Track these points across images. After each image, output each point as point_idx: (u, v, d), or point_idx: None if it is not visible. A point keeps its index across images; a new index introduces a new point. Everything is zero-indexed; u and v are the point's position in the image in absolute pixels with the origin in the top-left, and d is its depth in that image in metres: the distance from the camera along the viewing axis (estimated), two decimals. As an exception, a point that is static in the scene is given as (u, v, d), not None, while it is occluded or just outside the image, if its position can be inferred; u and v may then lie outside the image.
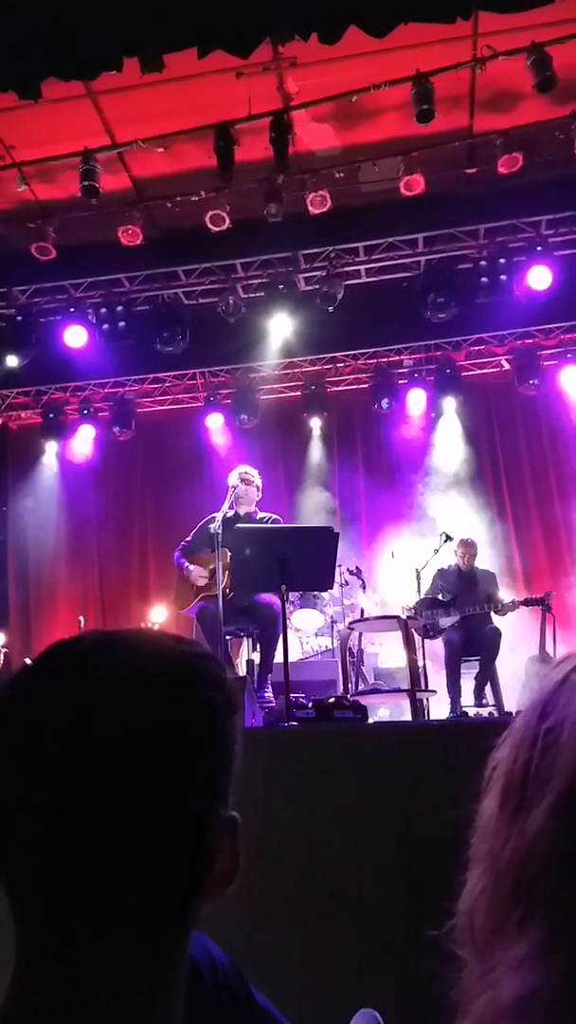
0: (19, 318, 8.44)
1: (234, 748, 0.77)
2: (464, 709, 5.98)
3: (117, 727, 0.69)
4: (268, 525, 5.30)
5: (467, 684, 6.32)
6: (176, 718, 0.71)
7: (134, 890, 0.68)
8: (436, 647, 6.44)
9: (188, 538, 5.61)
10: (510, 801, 0.72)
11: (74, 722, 0.69)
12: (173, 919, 0.72)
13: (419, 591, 6.56)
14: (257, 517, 5.50)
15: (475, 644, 6.24)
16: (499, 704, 6.16)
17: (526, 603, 6.22)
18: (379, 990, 2.02)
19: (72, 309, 8.47)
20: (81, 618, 7.48)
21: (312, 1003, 1.71)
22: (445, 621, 6.30)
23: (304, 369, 9.39)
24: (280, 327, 8.32)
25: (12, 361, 8.50)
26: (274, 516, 5.53)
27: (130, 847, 0.68)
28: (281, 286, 8.12)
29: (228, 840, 0.76)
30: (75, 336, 8.42)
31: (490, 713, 5.99)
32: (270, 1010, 1.47)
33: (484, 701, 6.24)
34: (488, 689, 6.28)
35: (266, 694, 5.13)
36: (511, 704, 6.24)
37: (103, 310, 8.44)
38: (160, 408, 9.91)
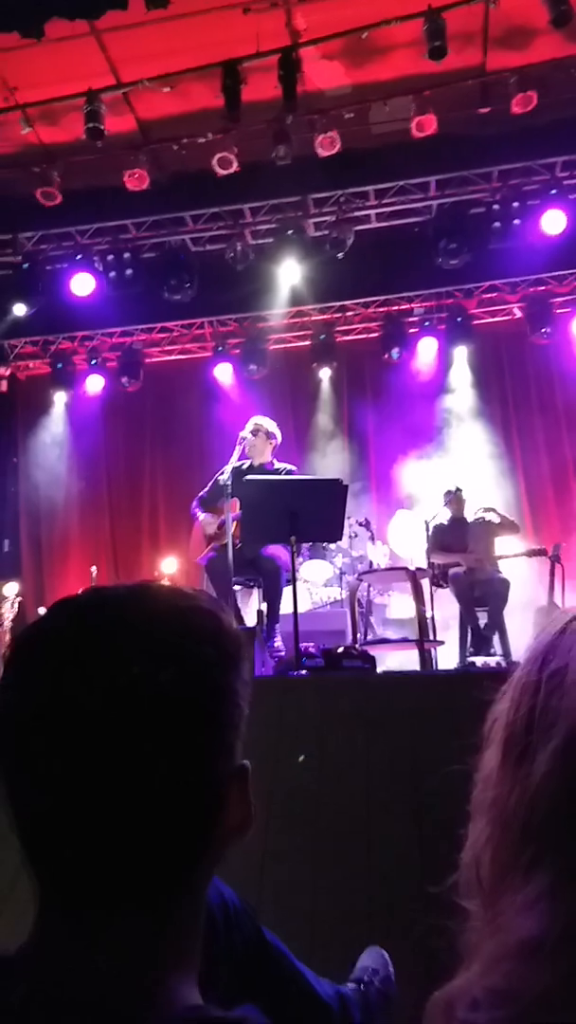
0: (25, 266, 8.35)
1: (235, 700, 0.77)
2: (471, 659, 6.03)
3: (109, 685, 0.70)
4: (277, 477, 5.29)
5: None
6: (168, 675, 0.72)
7: (140, 843, 0.70)
8: (444, 598, 6.48)
9: (204, 490, 5.63)
10: (514, 749, 0.72)
11: (70, 680, 0.70)
12: (184, 869, 0.73)
13: (428, 541, 6.59)
14: (273, 468, 5.49)
15: (483, 594, 6.27)
16: (507, 654, 6.21)
17: (529, 554, 6.23)
18: (387, 932, 2.08)
19: (79, 256, 8.36)
20: (93, 568, 7.54)
21: (321, 942, 1.76)
22: (456, 570, 6.33)
23: (313, 318, 9.28)
24: (289, 274, 8.21)
25: (20, 310, 8.43)
26: (290, 467, 5.52)
27: (130, 800, 0.69)
28: (290, 231, 7.99)
29: (238, 788, 0.77)
30: (82, 284, 8.33)
31: (497, 663, 6.04)
32: (280, 948, 1.52)
33: (492, 651, 6.29)
34: (496, 639, 6.33)
35: (275, 643, 5.19)
36: (519, 654, 6.30)
37: (110, 257, 8.33)
38: (168, 358, 9.83)
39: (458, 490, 6.72)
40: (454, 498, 6.69)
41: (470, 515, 6.71)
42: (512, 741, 0.73)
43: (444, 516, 6.72)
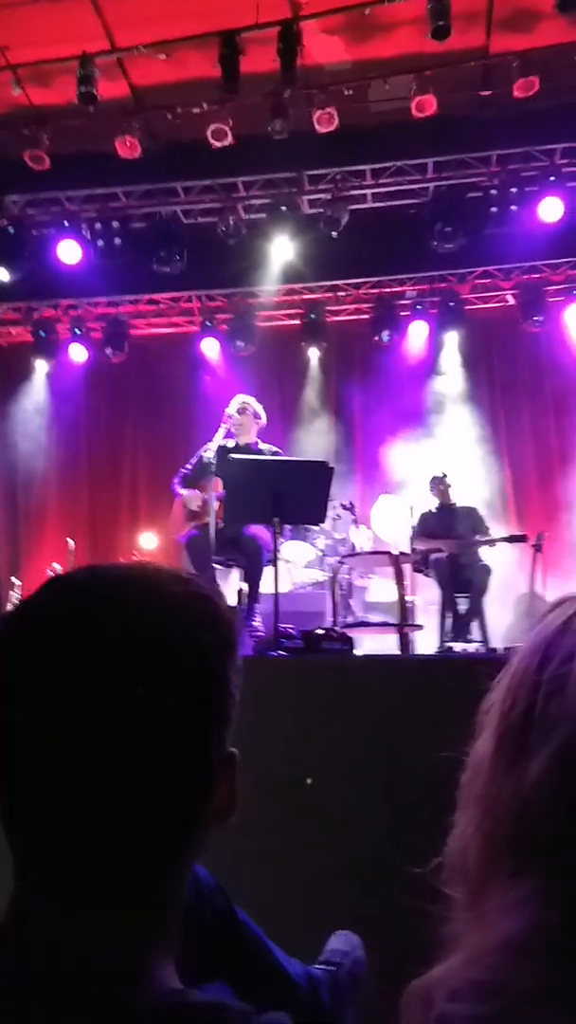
0: (11, 229, 8.24)
1: (229, 689, 0.78)
2: (450, 644, 6.09)
3: (103, 669, 0.70)
4: (262, 457, 5.29)
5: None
6: (164, 661, 0.72)
7: (129, 826, 0.70)
8: (425, 584, 6.52)
9: (187, 466, 5.61)
10: (508, 746, 0.73)
11: (62, 661, 0.70)
12: (170, 853, 0.74)
13: (411, 526, 6.62)
14: (257, 448, 5.48)
15: (464, 580, 6.32)
16: (485, 640, 6.28)
17: (510, 539, 6.28)
18: (358, 914, 2.10)
19: (66, 223, 8.26)
20: (70, 540, 7.51)
21: (292, 923, 1.78)
22: (437, 556, 6.37)
23: (304, 296, 9.24)
24: (281, 251, 8.16)
25: (3, 275, 8.33)
26: (274, 448, 5.52)
27: (120, 785, 0.70)
28: (284, 207, 7.93)
29: (226, 774, 0.78)
30: (69, 251, 8.23)
31: (476, 650, 6.10)
32: (251, 926, 1.54)
33: (470, 637, 6.35)
34: (475, 625, 6.39)
35: (254, 623, 5.21)
36: (497, 641, 6.36)
37: (98, 225, 8.24)
38: (154, 331, 9.77)
39: (444, 476, 6.75)
40: (440, 484, 6.72)
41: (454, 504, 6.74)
42: (507, 736, 0.73)
43: (431, 503, 6.75)
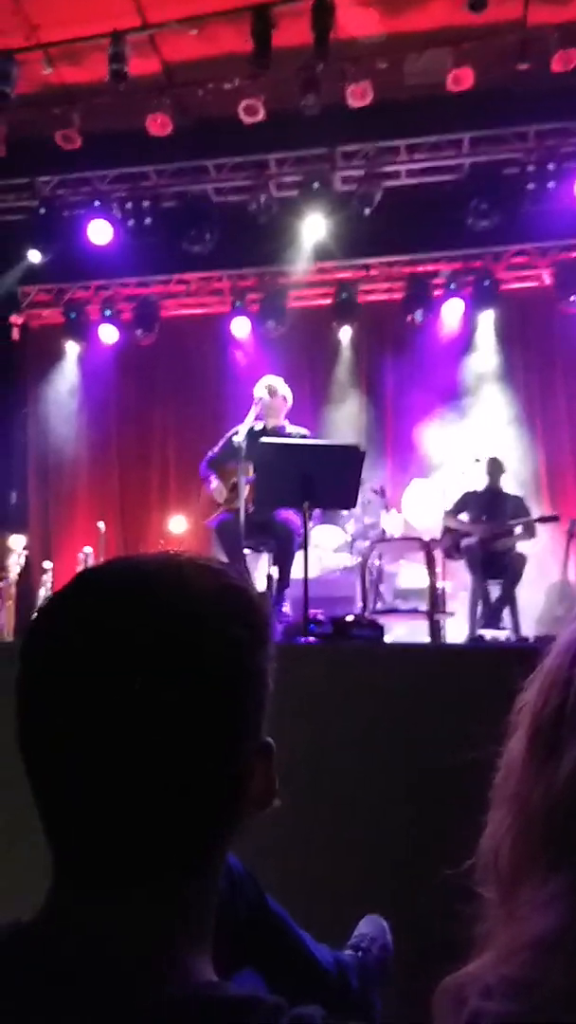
0: (42, 211, 8.28)
1: (263, 680, 0.79)
2: (481, 632, 6.07)
3: (139, 663, 0.71)
4: (294, 440, 5.30)
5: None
6: (196, 655, 0.73)
7: (163, 819, 0.71)
8: (456, 570, 6.51)
9: (215, 449, 5.64)
10: (540, 745, 0.73)
11: (91, 658, 0.71)
12: (204, 846, 0.75)
13: (443, 510, 6.61)
14: (286, 431, 5.49)
15: (498, 567, 6.30)
16: (516, 628, 6.26)
17: (541, 520, 6.25)
18: (383, 903, 2.13)
19: (97, 203, 8.28)
20: (100, 523, 7.59)
21: (320, 908, 1.81)
22: (467, 541, 6.34)
23: (336, 275, 9.19)
24: (313, 229, 8.12)
25: (35, 256, 8.38)
26: (303, 430, 5.53)
27: (155, 777, 0.71)
28: (316, 185, 7.88)
29: (262, 765, 0.79)
30: (99, 231, 8.26)
31: (507, 638, 6.09)
32: (282, 914, 1.57)
33: (502, 625, 6.34)
34: (506, 612, 6.37)
35: (283, 608, 5.24)
36: (528, 629, 6.34)
37: (128, 205, 8.26)
38: (184, 312, 9.77)
39: (497, 460, 6.70)
40: (493, 467, 6.65)
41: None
42: (539, 734, 0.74)
43: (479, 483, 6.71)
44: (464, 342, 9.02)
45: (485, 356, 9.00)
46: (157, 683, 0.71)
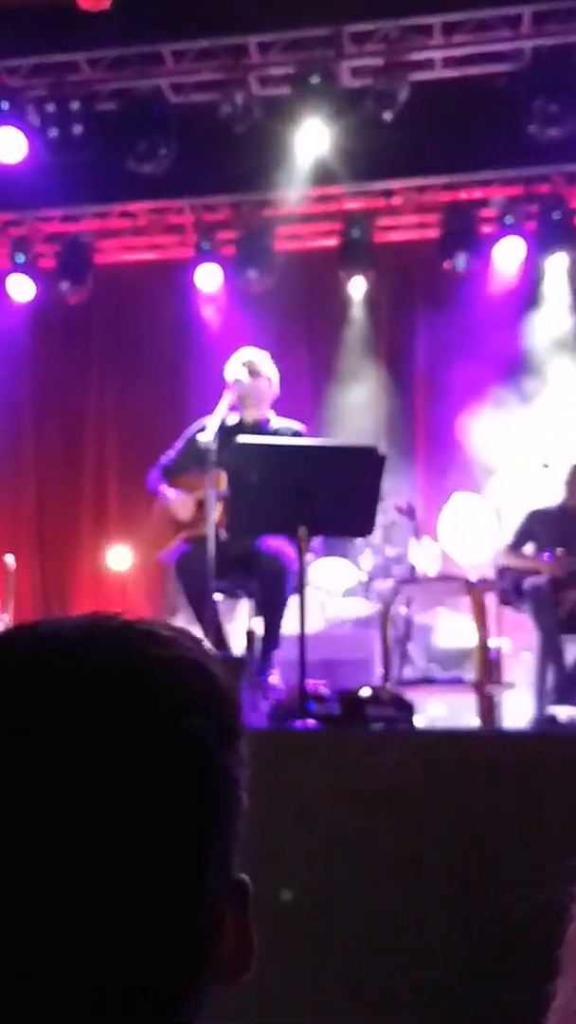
0: None
1: (232, 790, 0.79)
2: (553, 711, 6.07)
3: (53, 775, 0.71)
4: (285, 439, 5.29)
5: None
6: (140, 759, 0.73)
7: (106, 985, 0.71)
8: (517, 622, 6.50)
9: (170, 453, 5.64)
10: None
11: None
12: (159, 1015, 0.75)
13: (497, 538, 6.61)
14: (270, 426, 5.50)
15: (576, 617, 6.30)
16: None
17: None
18: None
19: (5, 105, 8.31)
20: (9, 559, 7.56)
21: None
22: (534, 581, 6.35)
23: (344, 206, 9.23)
24: (311, 141, 8.16)
25: None
26: (295, 426, 5.54)
27: (92, 931, 0.70)
28: (315, 79, 7.93)
29: (235, 913, 0.79)
30: (9, 144, 8.28)
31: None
32: None
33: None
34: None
35: (271, 678, 5.23)
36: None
37: (50, 107, 8.27)
38: (129, 257, 9.80)
39: None
40: (573, 477, 6.62)
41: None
42: None
43: (550, 499, 6.70)
44: (526, 297, 9.06)
45: (555, 316, 9.04)
46: (81, 799, 0.70)
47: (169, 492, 5.50)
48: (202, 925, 0.75)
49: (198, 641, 0.84)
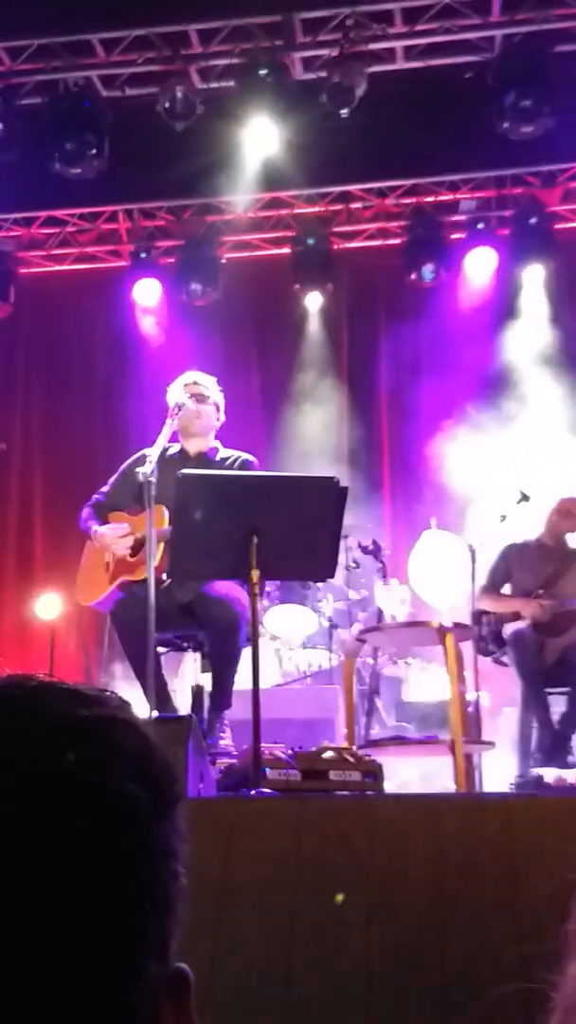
0: None
1: (170, 867, 0.78)
2: (538, 772, 6.08)
3: None
4: (233, 472, 5.29)
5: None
6: (62, 833, 0.72)
7: None
8: (497, 674, 6.52)
9: (104, 488, 5.61)
10: None
11: None
12: None
13: (473, 580, 6.63)
14: (217, 457, 5.50)
15: (566, 666, 6.32)
16: (593, 763, 6.27)
17: None
18: None
19: None
20: None
21: None
22: (513, 627, 6.37)
23: (297, 211, 9.30)
24: (259, 140, 8.21)
25: None
26: (244, 456, 5.54)
27: (4, 1010, 0.70)
28: (264, 72, 8.00)
29: (174, 1004, 0.78)
30: None
31: (580, 779, 6.10)
32: None
33: (570, 759, 6.35)
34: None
35: (222, 740, 5.20)
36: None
37: (-35, 101, 8.30)
38: (56, 268, 9.80)
39: (567, 501, 6.67)
40: (568, 517, 6.63)
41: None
42: None
43: (530, 533, 6.72)
44: (500, 311, 9.15)
45: (533, 332, 9.12)
46: (1, 871, 0.70)
47: (103, 531, 5.46)
48: (134, 1016, 0.75)
49: (125, 702, 0.83)
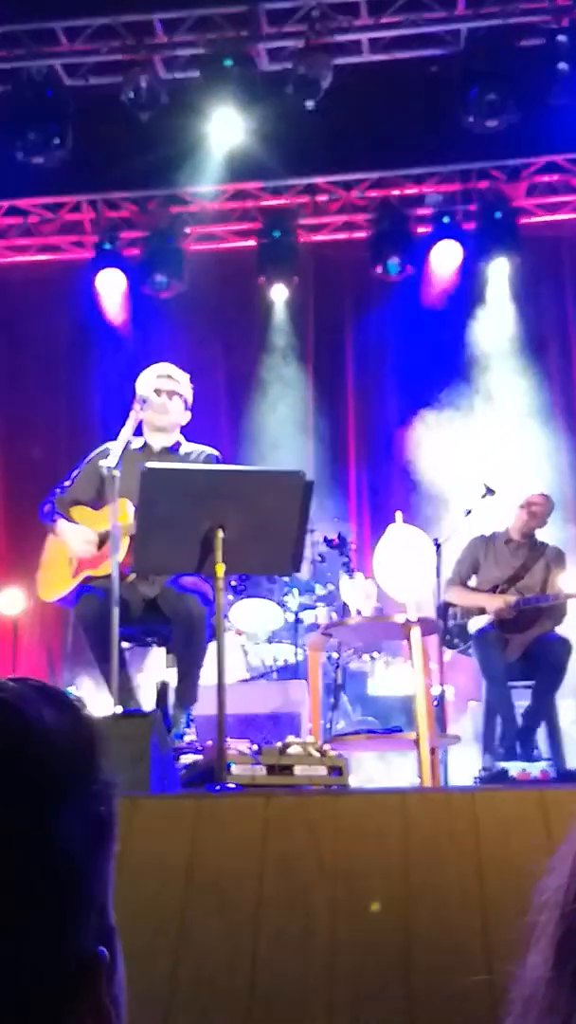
0: None
1: (84, 843, 0.78)
2: (503, 766, 6.11)
3: None
4: (198, 465, 5.28)
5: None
6: None
7: None
8: (462, 667, 6.54)
9: (66, 482, 5.59)
10: (571, 957, 0.74)
11: None
12: None
13: (438, 574, 6.65)
14: (181, 451, 5.49)
15: (530, 662, 6.35)
16: (557, 757, 6.29)
17: None
18: None
19: None
20: None
21: None
22: (478, 622, 6.40)
23: (262, 203, 9.29)
24: (224, 130, 8.20)
25: None
26: (207, 450, 5.53)
27: None
28: (229, 62, 7.98)
29: (88, 991, 0.77)
30: None
31: (543, 772, 6.12)
32: None
33: (535, 752, 6.38)
34: (542, 732, 6.41)
35: (186, 735, 5.19)
36: (576, 758, 6.39)
37: None
38: (18, 259, 9.76)
39: (545, 497, 6.68)
40: (536, 507, 6.64)
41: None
42: (570, 943, 0.75)
43: (497, 528, 6.74)
44: (465, 304, 9.18)
45: (500, 324, 9.16)
46: None
47: (66, 525, 5.43)
48: (45, 1000, 0.74)
49: (25, 681, 0.83)
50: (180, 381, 5.52)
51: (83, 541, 5.34)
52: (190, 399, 5.59)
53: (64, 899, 0.76)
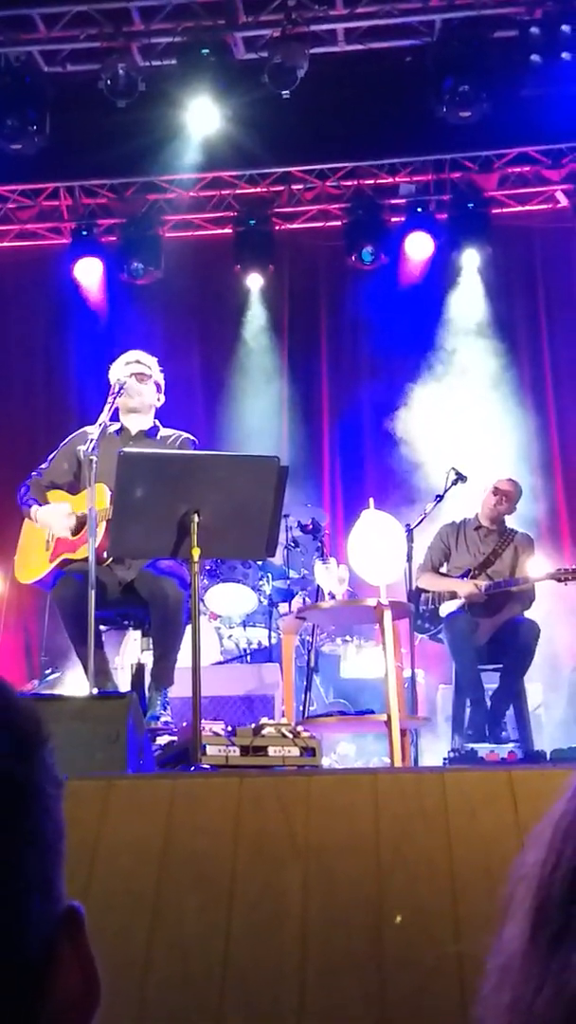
0: None
1: (43, 805, 0.78)
2: (472, 747, 6.15)
3: None
4: (173, 451, 5.28)
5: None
6: None
7: None
8: (433, 651, 6.57)
9: (42, 465, 5.58)
10: (548, 929, 0.74)
11: None
12: None
13: (410, 559, 6.66)
14: (158, 436, 5.49)
15: (499, 646, 6.38)
16: (525, 739, 6.34)
17: (560, 576, 6.34)
18: None
19: None
20: None
21: None
22: (449, 607, 6.42)
23: (239, 191, 9.27)
24: (201, 119, 8.17)
25: None
26: (184, 435, 5.53)
27: None
28: (206, 51, 7.95)
29: (71, 942, 0.78)
30: None
31: (511, 753, 6.17)
32: None
33: (504, 734, 6.41)
34: (510, 715, 6.45)
35: (162, 717, 5.20)
36: (545, 740, 6.42)
37: None
38: (-2, 245, 9.73)
39: (513, 483, 6.70)
40: (505, 494, 6.66)
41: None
42: (545, 914, 0.75)
43: (468, 513, 6.77)
44: (437, 293, 9.20)
45: (471, 314, 9.18)
46: None
47: (41, 511, 5.43)
48: (31, 957, 0.75)
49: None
50: (151, 366, 5.53)
51: (62, 516, 5.34)
52: (162, 382, 5.59)
53: (55, 847, 0.77)
